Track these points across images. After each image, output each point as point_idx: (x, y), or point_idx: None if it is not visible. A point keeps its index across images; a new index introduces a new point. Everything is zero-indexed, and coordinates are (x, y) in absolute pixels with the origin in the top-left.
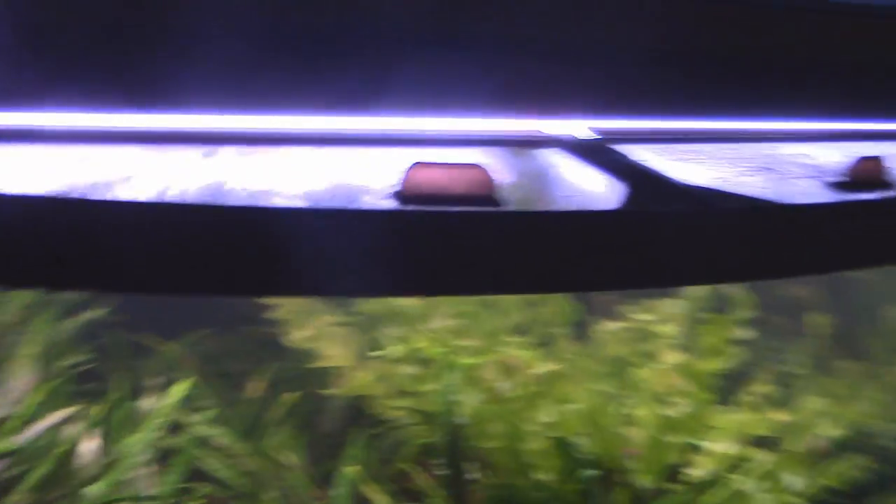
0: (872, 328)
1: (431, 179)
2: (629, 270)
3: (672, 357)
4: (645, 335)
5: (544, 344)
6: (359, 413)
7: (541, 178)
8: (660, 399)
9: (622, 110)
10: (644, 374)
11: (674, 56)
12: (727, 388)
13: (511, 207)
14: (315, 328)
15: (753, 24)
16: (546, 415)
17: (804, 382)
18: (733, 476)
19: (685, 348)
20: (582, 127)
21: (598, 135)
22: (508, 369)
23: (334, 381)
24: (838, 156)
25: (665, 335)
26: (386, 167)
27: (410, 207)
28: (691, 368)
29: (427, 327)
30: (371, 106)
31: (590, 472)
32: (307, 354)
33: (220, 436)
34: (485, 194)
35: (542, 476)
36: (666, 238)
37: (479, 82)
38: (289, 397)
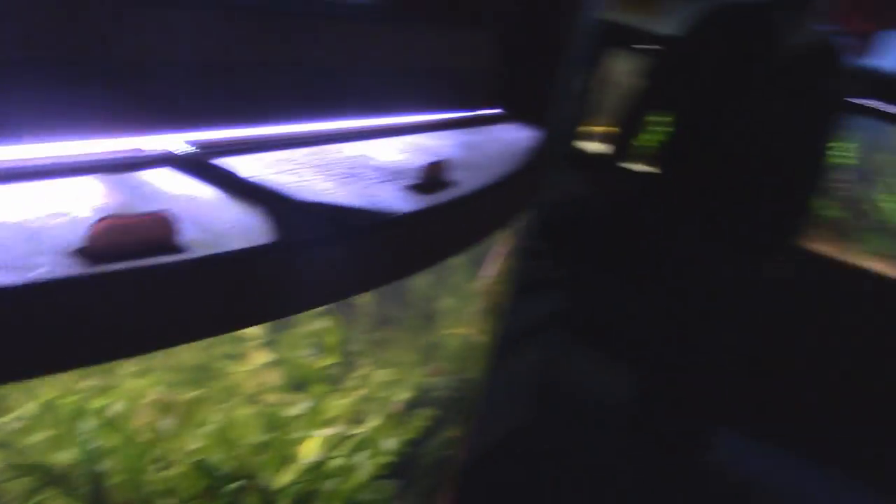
0: (403, 300)
1: (119, 233)
2: (292, 298)
3: (262, 356)
4: (227, 337)
5: (145, 363)
6: None
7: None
8: (258, 399)
9: (204, 121)
10: (238, 376)
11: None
12: (316, 377)
13: (197, 253)
14: None
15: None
16: (180, 439)
17: (370, 359)
18: (339, 454)
19: (272, 345)
20: (177, 141)
21: (197, 148)
22: (134, 402)
23: None
24: (393, 154)
25: (250, 336)
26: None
27: (103, 267)
28: (283, 364)
29: None
30: None
31: (230, 486)
32: None
33: None
34: (170, 242)
35: (190, 500)
36: (319, 262)
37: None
38: None
